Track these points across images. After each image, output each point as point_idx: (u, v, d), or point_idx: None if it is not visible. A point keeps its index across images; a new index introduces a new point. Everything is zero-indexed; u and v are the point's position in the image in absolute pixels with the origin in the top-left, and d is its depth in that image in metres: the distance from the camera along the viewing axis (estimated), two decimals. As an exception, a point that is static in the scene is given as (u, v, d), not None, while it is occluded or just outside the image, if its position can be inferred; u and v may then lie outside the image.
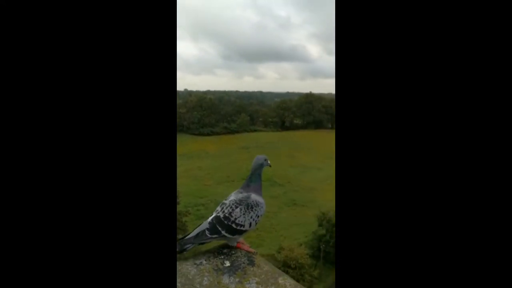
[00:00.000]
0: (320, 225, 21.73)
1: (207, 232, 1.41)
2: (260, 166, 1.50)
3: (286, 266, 16.59)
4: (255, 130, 57.49)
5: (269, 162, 1.53)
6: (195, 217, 26.74)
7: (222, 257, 1.44)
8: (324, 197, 30.20)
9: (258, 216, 1.46)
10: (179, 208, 20.90)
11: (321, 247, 20.88)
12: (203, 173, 36.41)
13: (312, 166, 40.77)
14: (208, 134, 53.32)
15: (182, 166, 36.68)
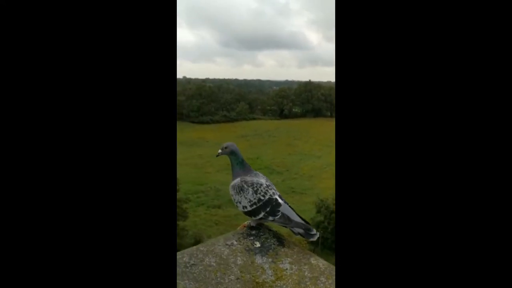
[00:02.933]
0: (318, 211, 22.03)
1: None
2: None
3: (286, 252, 16.89)
4: (254, 119, 57.29)
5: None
6: (195, 204, 26.98)
7: (252, 238, 1.48)
8: (322, 184, 30.47)
9: None
10: (179, 195, 21.07)
11: (319, 233, 21.21)
12: (203, 161, 36.47)
13: (311, 154, 40.91)
14: (207, 122, 53.09)
15: (182, 154, 36.66)
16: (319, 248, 21.42)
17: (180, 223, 19.94)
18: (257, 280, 1.21)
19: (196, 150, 39.74)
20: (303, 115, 60.01)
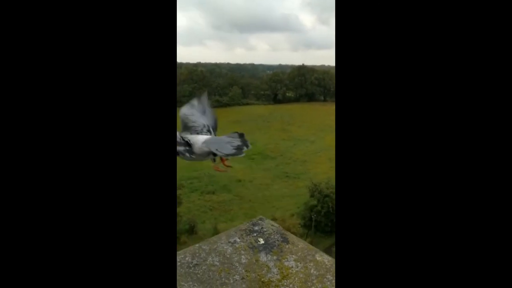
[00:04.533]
0: (311, 196, 22.37)
1: None
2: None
3: (280, 236, 17.27)
4: (247, 104, 56.95)
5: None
6: (189, 190, 27.11)
7: (255, 234, 1.45)
8: (315, 169, 30.82)
9: None
10: (173, 181, 21.07)
11: (312, 217, 21.67)
12: (196, 147, 36.30)
13: (305, 138, 41.14)
14: (199, 107, 52.54)
15: (174, 140, 36.43)
16: (312, 231, 21.92)
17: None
18: (262, 279, 1.19)
19: (189, 136, 39.42)
20: (296, 99, 59.86)
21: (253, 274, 1.21)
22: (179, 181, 23.82)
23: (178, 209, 20.39)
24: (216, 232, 19.60)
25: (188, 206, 24.28)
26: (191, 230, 20.55)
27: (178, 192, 20.81)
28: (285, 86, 60.02)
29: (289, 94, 60.97)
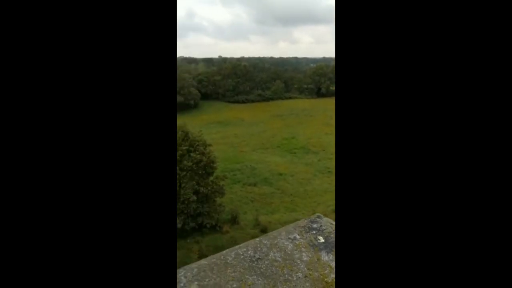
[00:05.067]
0: (355, 193, 21.59)
1: None
2: None
3: (321, 232, 17.04)
4: (290, 98, 56.40)
5: None
6: (231, 181, 27.80)
7: (314, 232, 1.43)
8: (360, 166, 29.52)
9: None
10: (217, 172, 21.74)
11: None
12: (239, 140, 37.09)
13: (349, 134, 39.52)
14: (243, 102, 53.39)
15: (219, 133, 37.59)
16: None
17: (218, 200, 20.71)
18: (326, 279, 1.17)
19: (232, 130, 40.40)
20: (341, 93, 57.66)
21: (316, 273, 1.19)
22: (222, 173, 24.54)
23: (221, 200, 21.06)
24: (257, 223, 19.90)
25: (231, 197, 24.92)
26: (233, 220, 21.09)
27: (221, 183, 21.40)
28: (328, 79, 58.21)
29: (333, 87, 58.94)
